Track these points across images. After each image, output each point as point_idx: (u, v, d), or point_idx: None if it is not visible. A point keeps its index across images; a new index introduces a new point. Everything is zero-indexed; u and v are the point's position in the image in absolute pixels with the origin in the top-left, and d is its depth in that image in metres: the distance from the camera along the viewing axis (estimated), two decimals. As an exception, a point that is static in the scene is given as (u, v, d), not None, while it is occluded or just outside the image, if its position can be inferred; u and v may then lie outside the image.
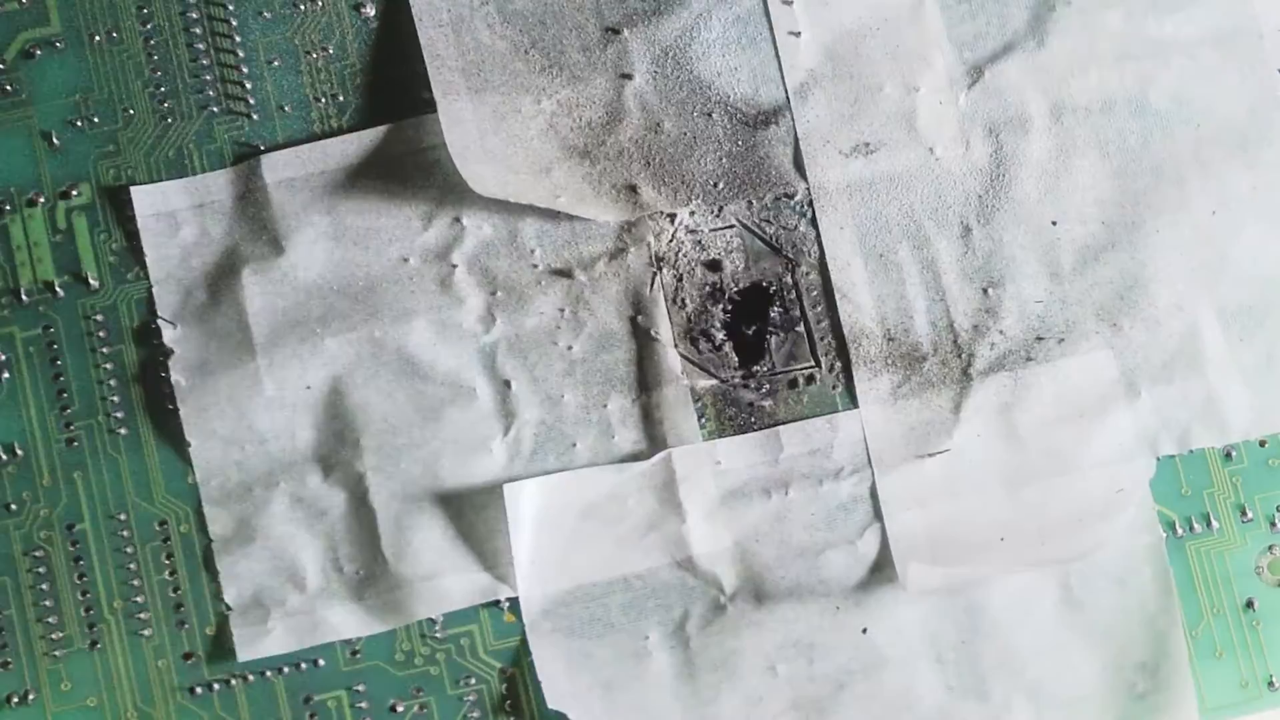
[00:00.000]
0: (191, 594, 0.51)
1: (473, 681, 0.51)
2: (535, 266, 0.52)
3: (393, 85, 0.52)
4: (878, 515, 0.51)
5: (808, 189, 0.52)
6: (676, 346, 0.51)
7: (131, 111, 0.52)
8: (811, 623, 0.51)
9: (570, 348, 0.52)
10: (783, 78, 0.52)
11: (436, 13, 0.52)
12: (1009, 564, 0.51)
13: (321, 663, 0.51)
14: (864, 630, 0.51)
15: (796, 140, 0.52)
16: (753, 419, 0.52)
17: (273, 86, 0.52)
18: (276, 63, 0.52)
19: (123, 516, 0.52)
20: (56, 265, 0.52)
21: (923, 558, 0.51)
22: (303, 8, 0.53)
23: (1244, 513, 0.52)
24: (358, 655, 0.51)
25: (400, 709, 0.51)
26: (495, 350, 0.52)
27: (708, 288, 0.52)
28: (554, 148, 0.52)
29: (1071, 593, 0.51)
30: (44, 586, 0.52)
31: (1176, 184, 0.52)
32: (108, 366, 0.52)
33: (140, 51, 0.52)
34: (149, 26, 0.52)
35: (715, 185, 0.52)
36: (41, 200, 0.52)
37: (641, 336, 0.51)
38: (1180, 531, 0.52)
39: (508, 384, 0.51)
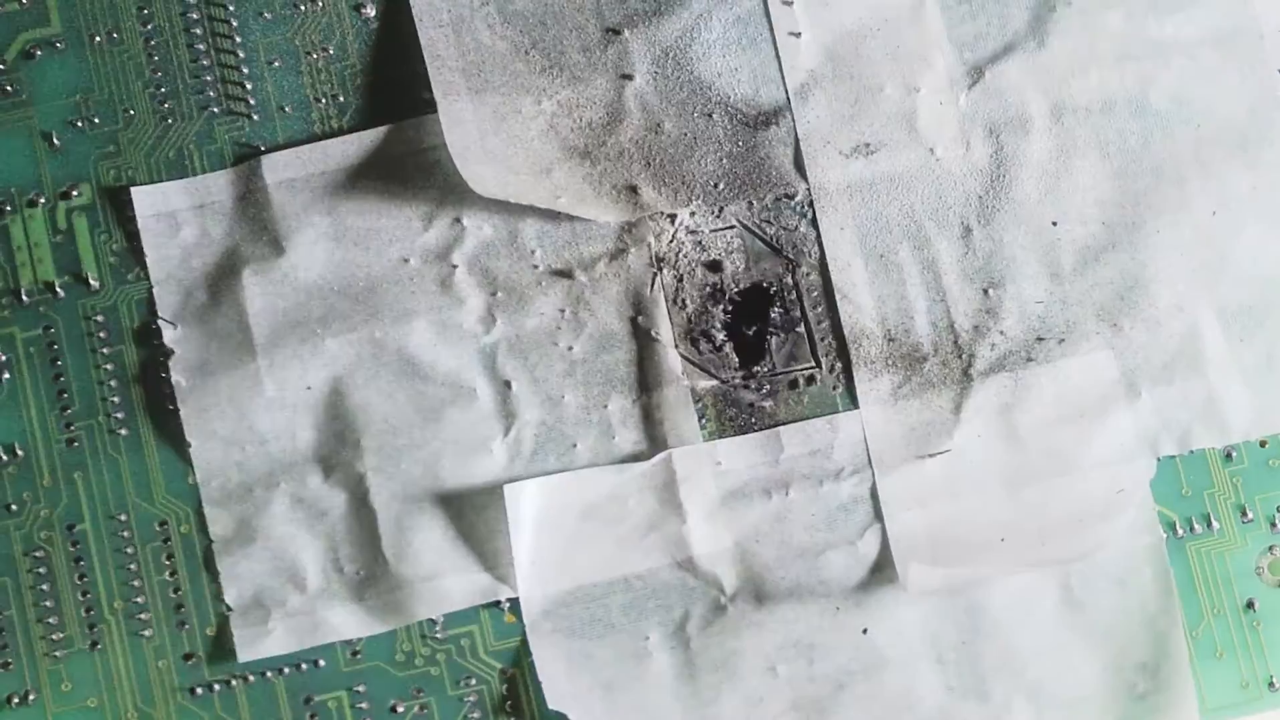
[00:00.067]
0: (192, 594, 0.52)
1: (473, 682, 0.51)
2: (536, 267, 0.52)
3: (393, 86, 0.52)
4: (878, 516, 0.51)
5: (808, 189, 0.52)
6: (677, 347, 0.51)
7: (132, 112, 0.52)
8: (812, 623, 0.51)
9: (571, 348, 0.52)
10: (783, 78, 0.53)
11: (437, 13, 0.52)
12: (1009, 564, 0.51)
13: (322, 663, 0.51)
14: (864, 631, 0.51)
15: (797, 141, 0.52)
16: (753, 419, 0.52)
17: (273, 87, 0.52)
18: (277, 63, 0.52)
19: (123, 517, 0.52)
20: (57, 266, 0.52)
21: (923, 558, 0.51)
22: (303, 8, 0.53)
23: (1244, 513, 0.52)
24: (358, 656, 0.51)
25: (401, 709, 0.51)
26: (496, 351, 0.52)
27: (708, 288, 0.52)
28: (554, 148, 0.52)
29: (1072, 593, 0.51)
30: (44, 587, 0.52)
31: (1177, 184, 0.52)
32: (108, 367, 0.52)
33: (141, 52, 0.52)
34: (149, 27, 0.52)
35: (716, 186, 0.52)
36: (42, 201, 0.52)
37: (642, 337, 0.51)
38: (1181, 532, 0.52)
39: (508, 384, 0.51)
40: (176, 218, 0.52)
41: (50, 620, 0.51)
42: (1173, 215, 0.52)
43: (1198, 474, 0.52)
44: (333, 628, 0.51)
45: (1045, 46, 0.52)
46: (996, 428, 0.51)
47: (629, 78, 0.52)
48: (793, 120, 0.52)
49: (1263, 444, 0.52)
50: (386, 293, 0.51)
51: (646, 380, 0.52)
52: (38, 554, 0.52)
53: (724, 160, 0.52)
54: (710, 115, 0.52)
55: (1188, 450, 0.52)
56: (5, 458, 0.52)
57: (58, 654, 0.51)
